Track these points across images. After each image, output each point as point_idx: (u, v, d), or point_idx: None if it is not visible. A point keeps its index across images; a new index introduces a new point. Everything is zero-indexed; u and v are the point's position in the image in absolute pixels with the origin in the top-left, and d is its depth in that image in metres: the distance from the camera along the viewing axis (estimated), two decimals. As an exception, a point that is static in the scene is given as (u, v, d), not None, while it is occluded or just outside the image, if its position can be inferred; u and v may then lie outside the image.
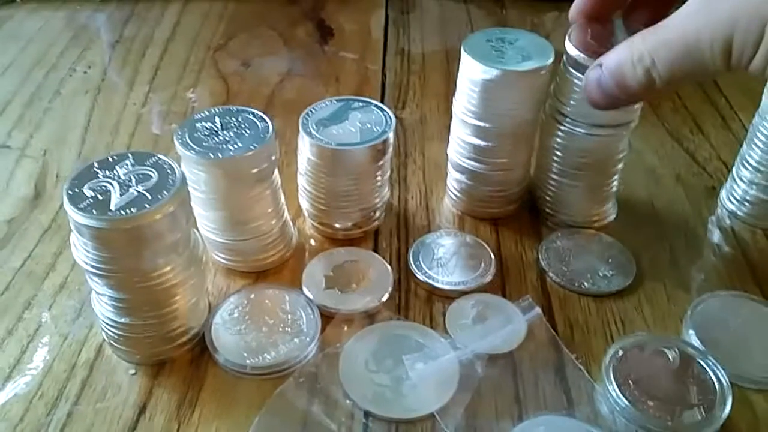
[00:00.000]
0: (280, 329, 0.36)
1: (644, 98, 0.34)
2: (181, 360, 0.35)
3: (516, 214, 0.44)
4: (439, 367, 0.34)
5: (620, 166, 0.42)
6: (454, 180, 0.44)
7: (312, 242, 0.42)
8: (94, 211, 0.30)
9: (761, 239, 0.43)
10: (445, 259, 0.40)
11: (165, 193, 0.31)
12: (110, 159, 0.33)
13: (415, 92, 0.57)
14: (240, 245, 0.39)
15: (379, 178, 0.41)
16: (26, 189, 0.46)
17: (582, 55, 0.37)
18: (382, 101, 0.41)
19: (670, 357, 0.34)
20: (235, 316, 0.36)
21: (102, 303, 0.33)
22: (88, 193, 0.31)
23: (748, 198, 0.44)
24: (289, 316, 0.36)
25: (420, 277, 0.39)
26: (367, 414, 0.32)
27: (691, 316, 0.37)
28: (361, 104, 0.41)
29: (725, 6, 0.28)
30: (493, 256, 0.40)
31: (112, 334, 0.34)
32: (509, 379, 0.34)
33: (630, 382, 0.33)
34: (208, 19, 0.68)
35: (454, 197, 0.45)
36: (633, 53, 0.31)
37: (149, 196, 0.31)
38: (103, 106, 0.55)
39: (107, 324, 0.34)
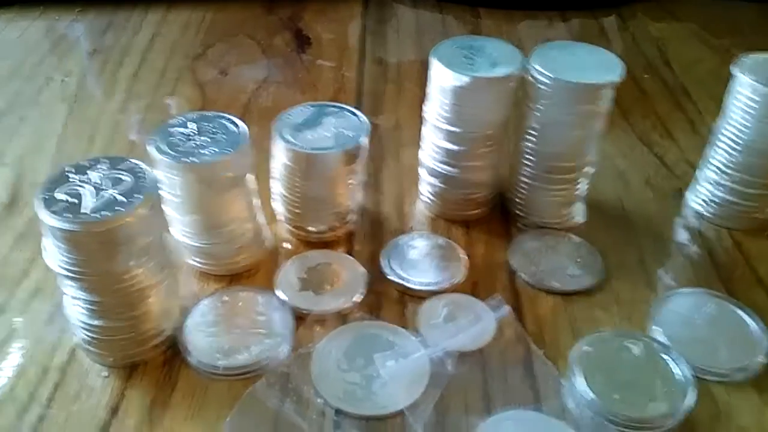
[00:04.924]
0: (253, 330, 0.36)
1: None
2: (153, 362, 0.35)
3: (487, 217, 0.45)
4: (410, 364, 0.34)
5: (590, 169, 0.43)
6: (427, 184, 0.45)
7: (286, 245, 0.43)
8: (66, 215, 0.30)
9: (726, 239, 0.44)
10: (418, 261, 0.41)
11: (138, 196, 0.31)
12: (83, 163, 0.33)
13: (391, 100, 0.58)
14: (214, 249, 0.39)
15: (353, 182, 0.41)
16: (1, 196, 0.46)
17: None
18: (358, 108, 0.42)
19: (636, 351, 0.35)
20: (208, 318, 0.37)
21: (75, 306, 0.34)
22: (60, 196, 0.31)
23: (713, 199, 0.45)
24: (262, 318, 0.37)
25: (392, 278, 0.39)
26: (338, 412, 0.32)
27: (657, 312, 0.38)
28: (335, 109, 0.42)
29: None
30: (464, 257, 0.41)
31: (85, 337, 0.34)
32: (478, 375, 0.34)
33: (596, 376, 0.33)
34: (186, 29, 0.68)
35: (427, 200, 0.45)
36: None
37: (122, 200, 0.31)
38: (80, 114, 0.55)
39: (80, 327, 0.34)
